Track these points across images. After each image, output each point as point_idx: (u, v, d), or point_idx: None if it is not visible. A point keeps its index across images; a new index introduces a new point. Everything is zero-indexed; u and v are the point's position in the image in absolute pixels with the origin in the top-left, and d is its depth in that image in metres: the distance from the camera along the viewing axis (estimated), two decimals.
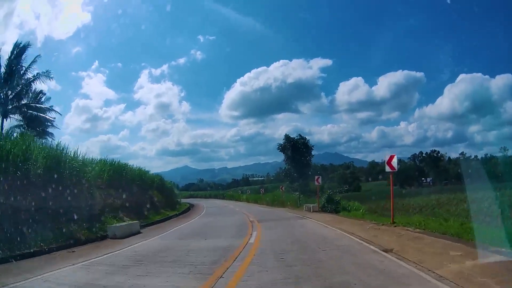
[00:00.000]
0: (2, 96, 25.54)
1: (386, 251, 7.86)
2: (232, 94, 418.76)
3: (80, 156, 18.26)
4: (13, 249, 9.16)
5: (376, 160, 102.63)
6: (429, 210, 27.26)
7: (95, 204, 16.32)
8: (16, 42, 25.88)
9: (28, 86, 26.31)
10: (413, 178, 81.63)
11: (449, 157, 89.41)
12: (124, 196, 20.00)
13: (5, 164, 11.24)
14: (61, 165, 14.74)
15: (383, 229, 11.68)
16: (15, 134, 16.57)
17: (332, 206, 21.80)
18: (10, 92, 26.06)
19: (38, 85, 27.15)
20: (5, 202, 10.42)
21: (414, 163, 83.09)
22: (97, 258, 8.65)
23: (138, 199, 21.99)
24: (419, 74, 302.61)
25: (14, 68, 25.82)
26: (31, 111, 27.77)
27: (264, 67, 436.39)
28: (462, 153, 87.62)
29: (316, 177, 21.87)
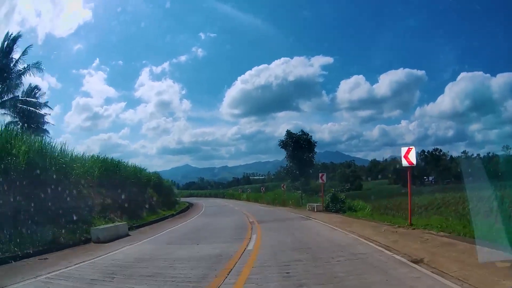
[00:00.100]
0: None
1: (415, 262, 6.29)
2: (233, 92, 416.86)
3: (69, 151, 17.01)
4: None
5: (377, 159, 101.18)
6: (434, 209, 25.82)
7: (82, 203, 14.89)
8: (7, 33, 24.40)
9: (19, 78, 24.79)
10: (415, 177, 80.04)
11: (451, 156, 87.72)
12: (116, 195, 18.54)
13: None
14: (46, 160, 13.36)
15: (401, 232, 10.11)
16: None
17: (337, 206, 20.23)
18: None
19: (33, 80, 25.74)
20: None
21: (416, 161, 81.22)
22: (66, 269, 7.13)
23: (132, 198, 20.51)
24: (420, 72, 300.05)
25: (4, 60, 24.38)
26: (21, 105, 26.34)
27: (265, 65, 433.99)
28: (464, 152, 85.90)
29: (320, 174, 20.29)
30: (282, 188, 31.16)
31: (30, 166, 11.96)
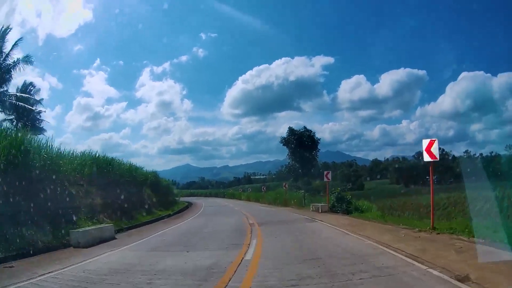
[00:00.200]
0: None
1: (461, 280, 4.81)
2: (234, 92, 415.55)
3: (56, 147, 15.64)
4: None
5: (378, 159, 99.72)
6: (441, 210, 24.40)
7: (68, 203, 13.51)
8: None
9: (8, 73, 23.41)
10: (417, 177, 78.45)
11: (453, 155, 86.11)
12: (108, 194, 17.16)
13: None
14: (28, 156, 12.03)
15: (425, 238, 8.62)
16: None
17: (342, 206, 18.73)
18: None
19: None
20: None
21: (419, 161, 79.76)
22: (25, 283, 5.72)
23: (126, 197, 19.08)
24: (421, 72, 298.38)
25: None
26: (13, 101, 25.00)
27: (266, 65, 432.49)
28: (466, 151, 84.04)
29: (325, 172, 18.78)
30: (284, 188, 29.58)
31: (10, 162, 10.68)
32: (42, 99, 30.61)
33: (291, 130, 24.69)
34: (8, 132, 13.03)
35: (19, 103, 25.30)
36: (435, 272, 5.21)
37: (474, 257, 6.08)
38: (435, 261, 5.89)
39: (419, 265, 5.78)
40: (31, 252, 8.93)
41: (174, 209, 27.94)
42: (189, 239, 10.12)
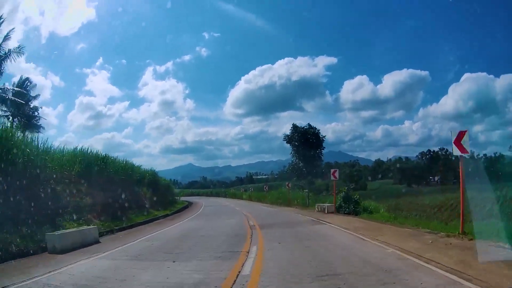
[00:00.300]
0: None
1: None
2: (237, 91, 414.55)
3: (42, 143, 14.42)
4: None
5: (381, 159, 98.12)
6: (448, 210, 23.08)
7: (52, 202, 12.23)
8: None
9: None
10: (420, 177, 76.87)
11: (456, 156, 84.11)
12: (100, 193, 15.88)
13: None
14: (9, 151, 10.86)
15: (458, 245, 7.17)
16: None
17: (350, 207, 17.28)
18: None
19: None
20: None
21: (422, 161, 78.19)
22: None
23: (120, 197, 17.80)
24: (424, 73, 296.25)
25: None
26: (5, 95, 23.82)
27: (269, 65, 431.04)
28: (470, 151, 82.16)
29: (332, 170, 17.33)
30: (287, 187, 28.15)
31: None
32: (39, 95, 29.42)
33: (294, 127, 23.22)
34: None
35: (14, 98, 24.14)
36: None
37: None
38: (488, 280, 4.46)
39: (468, 284, 4.36)
40: (3, 257, 7.69)
41: (172, 209, 26.67)
42: (179, 244, 8.68)
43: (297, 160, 23.66)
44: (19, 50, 21.36)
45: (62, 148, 16.43)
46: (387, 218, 13.89)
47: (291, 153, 23.84)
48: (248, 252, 7.00)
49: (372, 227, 10.62)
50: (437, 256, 5.99)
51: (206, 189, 79.53)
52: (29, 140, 13.39)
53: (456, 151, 8.19)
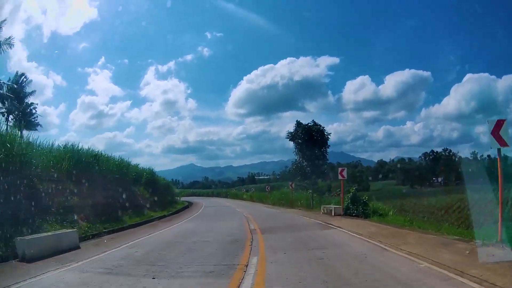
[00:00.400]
0: None
1: None
2: (239, 91, 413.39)
3: (25, 138, 13.17)
4: None
5: (383, 159, 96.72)
6: (456, 212, 21.64)
7: (34, 202, 10.94)
8: None
9: None
10: (423, 178, 75.30)
11: (460, 157, 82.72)
12: (90, 192, 14.55)
13: None
14: None
15: (503, 256, 5.75)
16: None
17: (358, 209, 15.84)
18: None
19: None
20: None
21: (426, 162, 76.59)
22: None
23: (112, 196, 16.54)
24: (426, 74, 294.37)
25: None
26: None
27: (271, 65, 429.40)
28: (473, 152, 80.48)
29: (340, 169, 15.92)
30: (290, 187, 26.70)
31: None
32: (35, 91, 28.27)
33: (298, 123, 21.78)
34: None
35: (8, 94, 23.02)
36: None
37: None
38: None
39: None
40: None
41: (171, 209, 25.34)
42: (166, 253, 7.26)
43: (300, 159, 22.24)
44: (9, 42, 20.12)
45: (51, 144, 15.16)
46: (402, 221, 12.48)
47: (294, 151, 22.45)
48: (246, 266, 5.60)
49: (389, 232, 9.16)
50: (487, 274, 4.59)
51: (207, 189, 78.18)
52: (11, 135, 12.13)
53: (495, 144, 6.76)
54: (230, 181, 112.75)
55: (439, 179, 76.39)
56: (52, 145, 15.28)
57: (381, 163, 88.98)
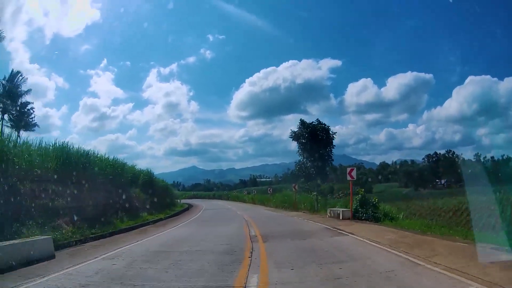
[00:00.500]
0: None
1: None
2: (241, 94, 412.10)
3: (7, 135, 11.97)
4: None
5: (386, 162, 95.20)
6: (464, 214, 20.33)
7: (12, 204, 9.77)
8: None
9: None
10: (426, 180, 73.76)
11: (463, 158, 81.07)
12: (78, 194, 13.30)
13: None
14: None
15: None
16: None
17: (368, 212, 14.49)
18: None
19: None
20: None
21: (428, 164, 75.02)
22: None
23: (104, 198, 15.29)
24: (428, 76, 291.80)
25: None
26: None
27: (273, 67, 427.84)
28: (476, 154, 78.74)
29: (349, 169, 14.58)
30: (294, 189, 25.32)
31: None
32: (31, 89, 27.11)
33: (302, 122, 20.43)
34: None
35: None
36: None
37: None
38: None
39: None
40: None
41: (169, 212, 24.08)
42: (147, 267, 5.89)
43: (304, 160, 20.89)
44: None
45: (39, 143, 13.96)
46: (419, 226, 11.11)
47: (298, 151, 21.09)
48: None
49: (412, 240, 7.74)
50: None
51: (209, 192, 76.86)
52: None
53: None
54: (232, 184, 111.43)
55: (442, 181, 74.83)
56: (40, 143, 14.10)
57: (384, 165, 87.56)
